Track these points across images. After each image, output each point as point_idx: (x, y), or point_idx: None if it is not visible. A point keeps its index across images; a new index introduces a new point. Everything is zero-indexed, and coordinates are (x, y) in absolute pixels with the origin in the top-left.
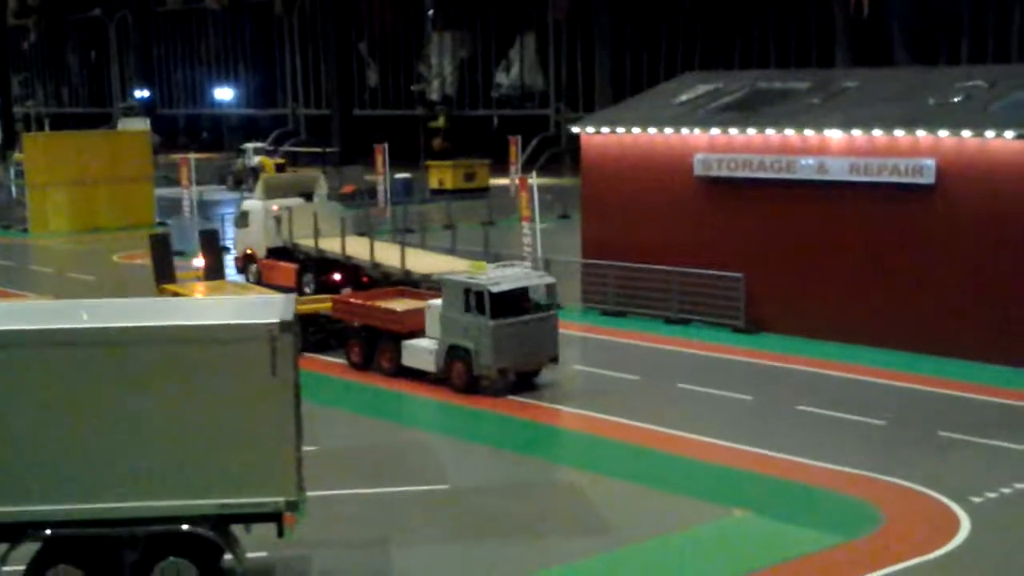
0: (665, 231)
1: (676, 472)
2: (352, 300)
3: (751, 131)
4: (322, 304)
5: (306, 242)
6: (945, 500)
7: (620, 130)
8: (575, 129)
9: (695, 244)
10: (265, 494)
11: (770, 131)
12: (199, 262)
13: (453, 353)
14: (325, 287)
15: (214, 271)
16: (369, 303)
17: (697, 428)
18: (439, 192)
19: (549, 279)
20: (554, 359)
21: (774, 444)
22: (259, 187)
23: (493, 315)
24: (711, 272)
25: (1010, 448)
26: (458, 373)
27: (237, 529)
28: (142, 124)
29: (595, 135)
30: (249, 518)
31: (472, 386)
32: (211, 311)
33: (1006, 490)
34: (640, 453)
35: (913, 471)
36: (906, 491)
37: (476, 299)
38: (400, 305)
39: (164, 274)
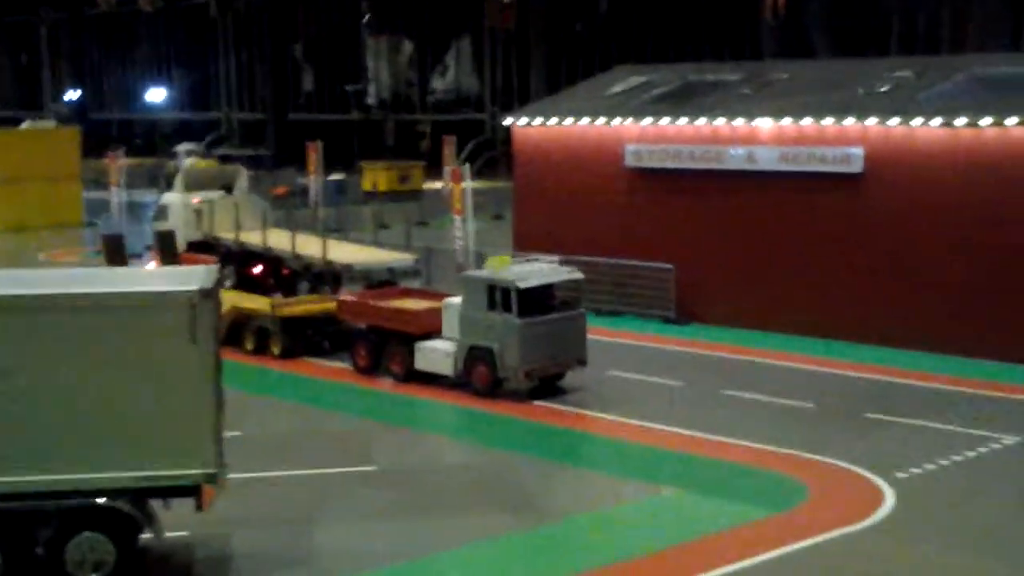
0: (597, 222)
1: (607, 453)
2: (359, 300)
3: (682, 121)
4: (321, 305)
5: (227, 235)
6: (870, 476)
7: (552, 121)
8: (507, 121)
9: (626, 235)
10: (183, 466)
11: (701, 121)
12: (152, 265)
13: (474, 354)
14: (246, 280)
15: None
16: (378, 303)
17: (627, 412)
18: (372, 194)
19: (577, 275)
20: (582, 361)
21: (703, 426)
22: (179, 180)
23: (520, 313)
24: (642, 263)
25: (934, 427)
26: (479, 376)
27: (157, 507)
28: (48, 125)
29: (527, 127)
30: (167, 492)
31: (494, 389)
32: (131, 280)
33: (930, 466)
34: (571, 436)
35: (840, 450)
36: (833, 468)
37: (502, 296)
38: (411, 304)
39: None
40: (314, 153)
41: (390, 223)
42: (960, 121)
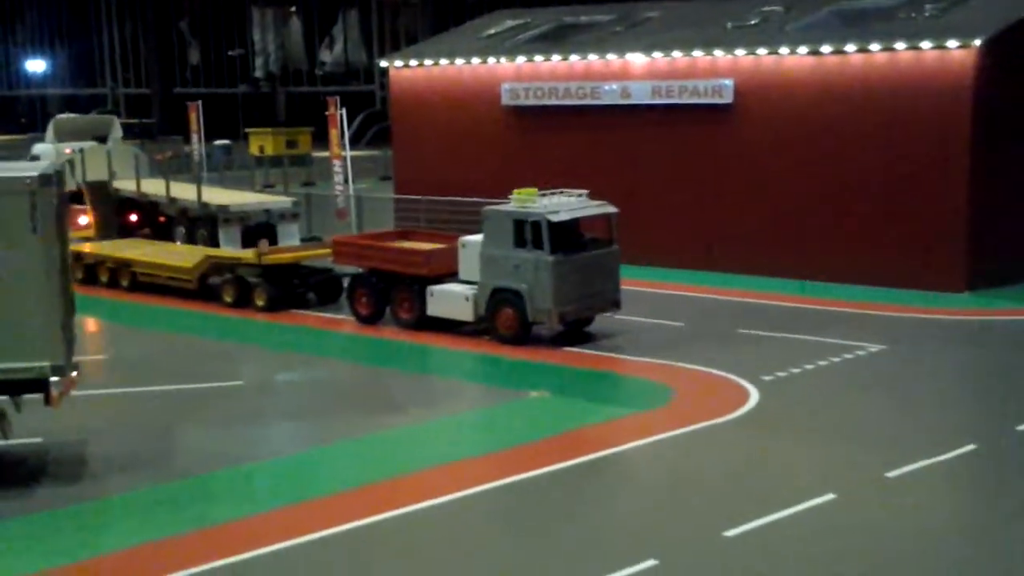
0: (475, 161)
1: (484, 367)
2: (360, 241)
3: (556, 59)
4: (311, 251)
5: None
6: (737, 379)
7: (428, 62)
8: (383, 63)
9: (505, 173)
10: (28, 358)
11: (574, 58)
12: (85, 219)
13: (498, 297)
14: (122, 228)
15: (105, 228)
16: (383, 244)
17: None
18: (260, 160)
19: (611, 208)
20: (616, 303)
21: (575, 342)
22: (50, 129)
23: (552, 250)
24: None
25: (803, 339)
26: (506, 321)
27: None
28: None
29: (404, 69)
30: (12, 387)
31: (523, 336)
32: None
33: (795, 370)
34: (449, 354)
35: (708, 359)
36: (701, 374)
37: (532, 231)
38: (420, 245)
39: None
40: (194, 113)
41: (276, 184)
42: (826, 49)
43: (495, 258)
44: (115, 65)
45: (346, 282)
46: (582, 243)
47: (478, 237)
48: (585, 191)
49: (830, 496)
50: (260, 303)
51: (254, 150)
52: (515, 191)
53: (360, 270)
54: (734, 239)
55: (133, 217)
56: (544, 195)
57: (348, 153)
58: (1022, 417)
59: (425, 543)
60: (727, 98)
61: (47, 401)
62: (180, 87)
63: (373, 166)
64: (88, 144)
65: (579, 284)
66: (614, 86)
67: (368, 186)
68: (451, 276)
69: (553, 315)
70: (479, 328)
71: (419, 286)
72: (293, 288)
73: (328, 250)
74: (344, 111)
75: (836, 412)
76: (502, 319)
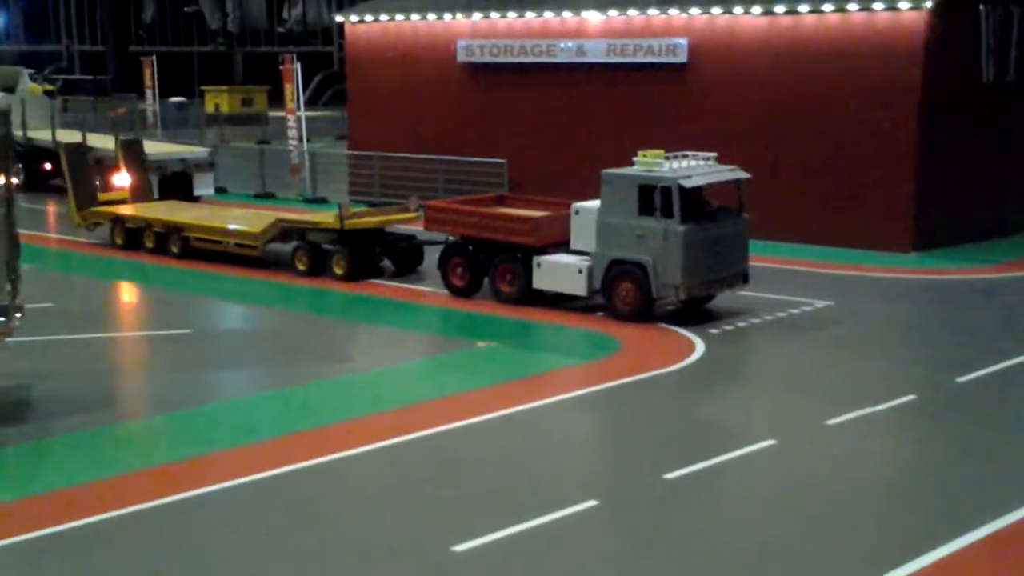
0: (429, 119)
1: (435, 319)
2: (456, 206)
3: (512, 16)
4: (398, 216)
5: (14, 133)
6: (684, 332)
7: (384, 18)
8: (339, 18)
9: (460, 131)
10: None
11: (530, 15)
12: (122, 179)
13: (618, 270)
14: (36, 177)
15: (141, 191)
16: (484, 209)
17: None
18: (215, 118)
19: (743, 174)
20: (745, 277)
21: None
22: None
23: (683, 218)
24: (475, 159)
25: (749, 295)
26: (625, 296)
27: None
28: None
29: (359, 24)
30: None
31: (644, 312)
32: None
33: (742, 324)
34: (401, 306)
35: (656, 313)
36: (648, 328)
37: (662, 197)
38: (525, 211)
39: (84, 196)
40: (149, 68)
41: (230, 142)
42: (780, 9)
43: (615, 226)
44: (70, 22)
45: (427, 251)
46: (710, 211)
47: (594, 203)
48: (713, 154)
49: (770, 442)
50: (339, 271)
51: (209, 108)
52: (640, 153)
53: (452, 237)
54: None
55: (47, 166)
56: (670, 158)
57: (303, 111)
58: (962, 370)
59: (362, 485)
60: (681, 57)
61: None
62: (136, 45)
63: (330, 126)
64: None
65: (709, 256)
66: (569, 44)
67: (323, 145)
68: (559, 246)
69: (681, 290)
70: (595, 304)
71: (523, 256)
72: (375, 255)
73: (412, 215)
74: (299, 65)
75: (779, 363)
76: (620, 294)
